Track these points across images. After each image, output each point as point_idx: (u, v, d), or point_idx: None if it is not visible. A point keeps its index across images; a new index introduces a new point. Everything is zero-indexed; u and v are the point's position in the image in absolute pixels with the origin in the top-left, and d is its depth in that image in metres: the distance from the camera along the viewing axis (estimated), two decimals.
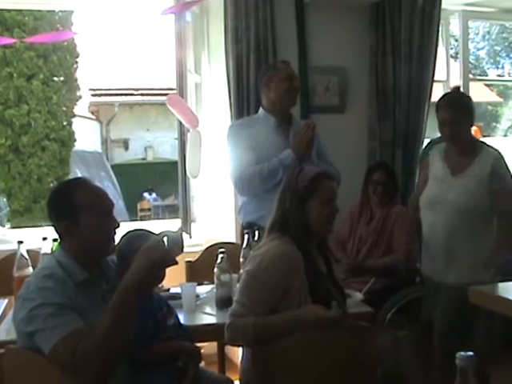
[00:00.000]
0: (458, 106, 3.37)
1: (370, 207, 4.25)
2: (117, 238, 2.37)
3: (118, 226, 2.31)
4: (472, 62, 14.38)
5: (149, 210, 18.17)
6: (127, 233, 2.59)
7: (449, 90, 3.62)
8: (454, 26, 5.86)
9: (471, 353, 1.37)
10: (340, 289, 2.65)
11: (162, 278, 2.49)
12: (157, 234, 2.21)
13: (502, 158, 3.41)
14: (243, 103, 4.43)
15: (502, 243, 3.32)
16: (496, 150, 3.47)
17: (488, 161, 3.36)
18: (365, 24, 4.88)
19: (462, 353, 1.37)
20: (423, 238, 3.58)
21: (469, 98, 3.55)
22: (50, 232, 2.48)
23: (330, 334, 2.31)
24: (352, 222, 4.29)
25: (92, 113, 17.67)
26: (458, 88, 3.50)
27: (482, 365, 2.91)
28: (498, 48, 15.62)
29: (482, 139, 4.70)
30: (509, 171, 3.43)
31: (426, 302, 3.55)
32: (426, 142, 4.83)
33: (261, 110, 3.78)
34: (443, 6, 4.98)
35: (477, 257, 3.33)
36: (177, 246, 2.18)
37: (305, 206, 2.51)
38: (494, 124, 14.32)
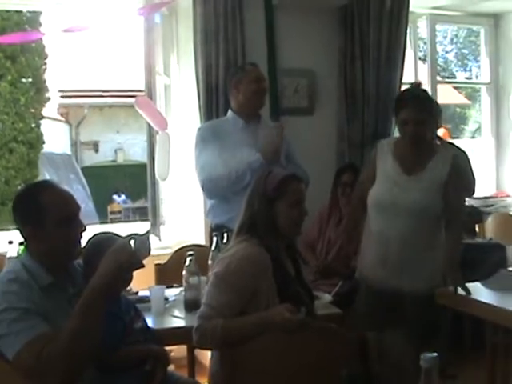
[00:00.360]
0: (424, 104, 3.18)
1: (339, 209, 4.27)
2: (83, 242, 2.35)
3: (84, 229, 2.29)
4: (441, 64, 14.52)
5: (119, 212, 18.03)
6: (93, 236, 2.57)
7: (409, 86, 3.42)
8: (423, 29, 5.92)
9: (435, 354, 1.38)
10: (308, 290, 2.65)
11: (129, 281, 2.47)
12: (123, 237, 2.19)
13: (463, 156, 3.38)
14: (212, 105, 4.42)
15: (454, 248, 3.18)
16: (458, 149, 3.50)
17: (446, 161, 3.19)
18: (333, 26, 4.91)
19: (427, 354, 1.38)
20: (370, 243, 3.30)
21: (431, 97, 3.42)
22: (17, 235, 2.44)
23: (299, 336, 2.31)
24: (321, 223, 4.30)
25: (61, 115, 17.49)
26: (418, 84, 3.39)
27: (449, 366, 2.96)
28: (466, 51, 15.80)
29: (450, 141, 4.77)
30: (470, 170, 3.42)
31: (377, 310, 3.21)
32: None
33: (229, 111, 3.78)
34: (411, 9, 5.03)
35: (434, 263, 3.16)
36: (144, 248, 2.16)
37: (273, 208, 2.51)
38: (462, 126, 14.48)
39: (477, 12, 5.81)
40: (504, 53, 5.88)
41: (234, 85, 3.71)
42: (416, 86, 3.37)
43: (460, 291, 2.97)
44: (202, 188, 3.66)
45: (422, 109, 3.13)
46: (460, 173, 3.30)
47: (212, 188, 3.60)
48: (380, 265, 3.20)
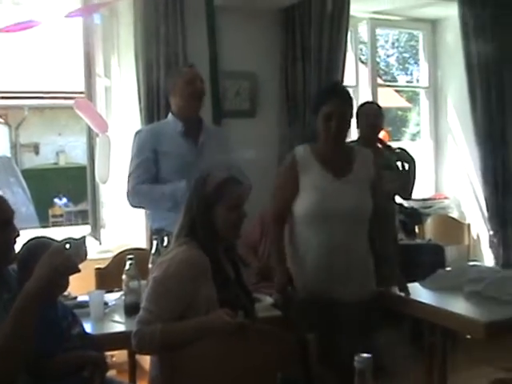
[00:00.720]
0: (348, 98, 3.04)
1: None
2: (18, 247, 2.30)
3: (18, 234, 2.24)
4: (382, 68, 14.73)
5: (61, 215, 17.72)
6: (28, 241, 2.52)
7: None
8: (365, 32, 6.00)
9: (368, 355, 1.39)
10: (248, 293, 2.65)
11: (65, 286, 2.43)
12: (59, 242, 2.15)
13: (404, 157, 3.34)
14: (153, 107, 4.38)
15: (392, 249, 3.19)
16: (402, 152, 3.50)
17: (368, 160, 3.11)
18: (275, 29, 4.93)
19: (361, 355, 1.40)
20: (305, 255, 3.04)
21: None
22: None
23: (239, 340, 2.31)
24: (263, 225, 4.30)
25: (0, 116, 17.12)
26: (339, 82, 3.29)
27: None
28: (407, 55, 16.05)
29: (390, 143, 4.83)
30: (409, 171, 3.38)
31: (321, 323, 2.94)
32: None
33: (170, 114, 3.74)
34: (352, 13, 5.09)
35: (371, 267, 3.09)
36: (80, 253, 2.12)
37: (212, 211, 2.50)
38: (403, 129, 14.73)
39: (416, 17, 5.92)
40: (442, 57, 6.00)
41: (171, 87, 3.69)
42: (337, 82, 3.36)
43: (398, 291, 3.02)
44: (127, 195, 3.64)
45: (346, 102, 3.01)
46: (381, 172, 3.24)
47: (134, 200, 3.62)
48: (324, 278, 2.98)
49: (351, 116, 3.06)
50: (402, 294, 3.08)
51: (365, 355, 1.39)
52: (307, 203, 2.98)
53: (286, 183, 3.08)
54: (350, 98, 3.06)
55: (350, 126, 3.07)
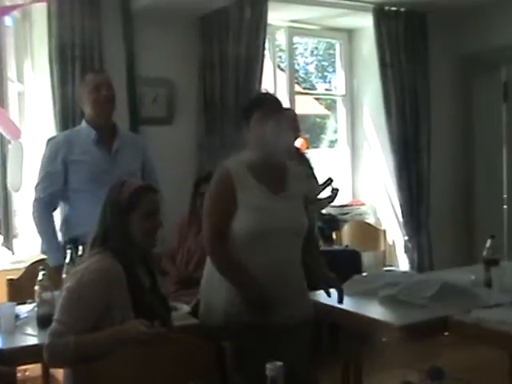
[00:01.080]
0: (281, 105, 2.91)
1: (198, 219, 4.26)
2: None
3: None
4: (302, 76, 14.91)
5: None
6: None
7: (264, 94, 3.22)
8: (283, 40, 6.05)
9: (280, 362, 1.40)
10: (164, 302, 2.62)
11: None
12: None
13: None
14: (68, 113, 4.31)
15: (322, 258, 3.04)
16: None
17: (301, 175, 3.04)
18: (194, 36, 4.93)
19: (273, 362, 1.40)
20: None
21: None
22: None
23: (154, 349, 2.28)
24: (181, 234, 4.29)
25: None
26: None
27: None
28: (326, 63, 16.32)
29: (309, 151, 4.89)
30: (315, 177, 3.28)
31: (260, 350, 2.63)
32: None
33: (83, 121, 3.68)
34: (270, 21, 5.13)
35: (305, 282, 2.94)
36: None
37: (127, 219, 2.46)
38: (322, 136, 14.93)
39: (332, 27, 6.02)
40: (358, 66, 6.12)
41: (81, 94, 3.66)
42: (266, 92, 3.30)
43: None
44: (32, 204, 3.60)
45: (280, 108, 2.88)
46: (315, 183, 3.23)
47: (33, 215, 3.61)
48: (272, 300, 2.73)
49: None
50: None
51: (277, 363, 1.39)
52: (247, 222, 2.75)
53: (222, 199, 2.81)
54: (282, 105, 2.94)
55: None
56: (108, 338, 2.29)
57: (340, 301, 2.89)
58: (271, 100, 2.93)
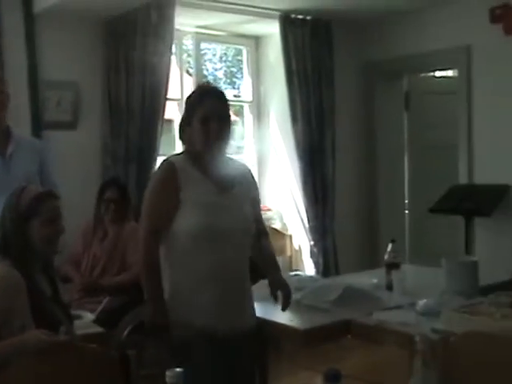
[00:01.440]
0: (226, 98, 2.74)
1: (103, 224, 4.21)
2: None
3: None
4: (211, 81, 14.91)
5: None
6: None
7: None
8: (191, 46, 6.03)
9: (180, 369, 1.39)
10: (66, 310, 2.57)
11: None
12: None
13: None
14: None
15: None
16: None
17: (248, 174, 2.88)
18: (99, 39, 4.86)
19: (172, 369, 1.39)
20: (188, 281, 2.63)
21: None
22: None
23: (56, 358, 2.23)
24: (86, 239, 4.22)
25: None
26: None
27: None
28: (235, 69, 16.39)
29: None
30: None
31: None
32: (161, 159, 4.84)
33: None
34: (177, 26, 5.10)
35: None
36: None
37: (27, 226, 2.40)
38: (232, 142, 15.02)
39: (240, 33, 6.04)
40: (264, 73, 6.17)
41: None
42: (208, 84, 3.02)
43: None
44: None
45: (225, 102, 2.70)
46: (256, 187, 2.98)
47: None
48: (219, 308, 2.62)
49: (230, 117, 2.72)
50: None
51: (176, 369, 1.38)
52: (193, 219, 2.58)
53: (163, 196, 2.63)
54: (226, 99, 2.75)
55: (229, 128, 2.71)
56: (7, 347, 2.22)
57: (283, 308, 2.83)
58: (215, 93, 2.73)
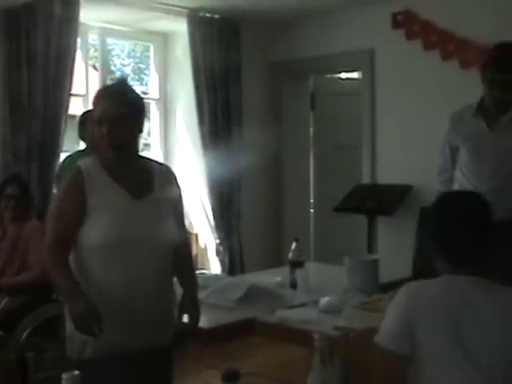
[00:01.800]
0: (124, 98, 2.51)
1: (2, 223, 4.09)
2: None
3: None
4: (122, 78, 14.68)
5: None
6: None
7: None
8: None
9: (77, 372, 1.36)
10: None
11: None
12: None
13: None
14: None
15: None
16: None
17: (170, 179, 2.64)
18: None
19: (69, 372, 1.36)
20: (97, 294, 2.39)
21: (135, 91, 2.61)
22: None
23: None
24: None
25: None
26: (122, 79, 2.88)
27: None
28: (143, 66, 16.22)
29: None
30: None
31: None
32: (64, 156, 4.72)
33: None
34: (82, 20, 4.98)
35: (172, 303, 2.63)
36: None
37: None
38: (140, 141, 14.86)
39: (147, 30, 5.98)
40: (171, 70, 6.13)
41: None
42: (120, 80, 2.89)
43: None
44: None
45: (122, 103, 2.46)
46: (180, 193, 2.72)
47: None
48: (130, 323, 2.43)
49: (128, 118, 2.47)
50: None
51: (73, 372, 1.36)
52: (100, 229, 2.39)
53: (68, 203, 2.45)
54: (127, 98, 2.52)
55: (127, 129, 2.47)
56: None
57: (188, 336, 2.66)
58: (111, 94, 2.53)
